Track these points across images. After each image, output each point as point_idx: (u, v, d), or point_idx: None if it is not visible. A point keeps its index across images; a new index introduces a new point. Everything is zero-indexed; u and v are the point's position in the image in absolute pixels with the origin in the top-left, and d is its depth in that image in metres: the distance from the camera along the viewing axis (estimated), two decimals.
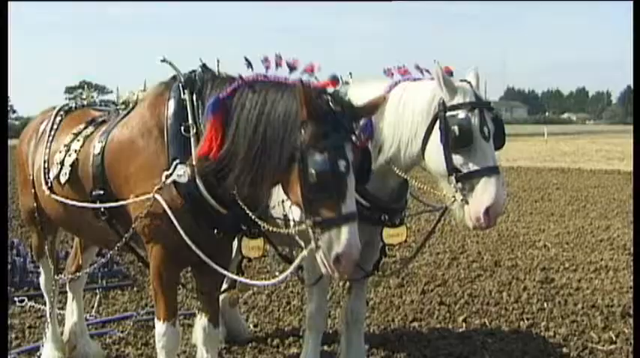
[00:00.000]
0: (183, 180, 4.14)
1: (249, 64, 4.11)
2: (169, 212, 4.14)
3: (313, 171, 3.60)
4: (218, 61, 4.33)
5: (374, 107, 4.00)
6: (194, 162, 4.11)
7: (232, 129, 3.94)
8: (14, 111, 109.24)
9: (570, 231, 12.55)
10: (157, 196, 4.16)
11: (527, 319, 7.13)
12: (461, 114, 4.35)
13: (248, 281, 4.42)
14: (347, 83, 5.02)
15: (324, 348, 5.98)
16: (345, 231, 3.60)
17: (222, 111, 4.00)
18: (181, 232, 4.12)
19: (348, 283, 5.42)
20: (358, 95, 4.77)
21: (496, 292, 8.20)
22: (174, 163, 4.17)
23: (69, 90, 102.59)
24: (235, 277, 4.39)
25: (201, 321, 4.79)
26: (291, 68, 4.04)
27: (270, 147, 3.80)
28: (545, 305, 7.63)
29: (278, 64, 4.06)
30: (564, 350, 6.26)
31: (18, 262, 8.60)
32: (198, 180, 4.12)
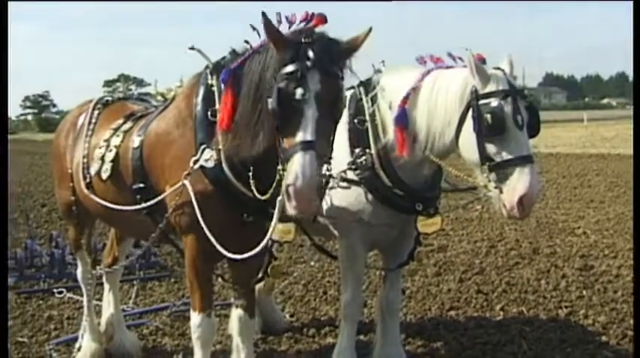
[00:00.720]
0: (210, 164, 4.14)
1: (254, 29, 3.99)
2: (193, 198, 4.13)
3: (271, 100, 3.55)
4: (250, 45, 4.29)
5: (356, 42, 3.79)
6: (220, 146, 4.10)
7: (240, 97, 3.94)
8: (54, 106, 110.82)
9: (610, 217, 12.39)
10: (186, 182, 4.16)
11: (566, 307, 7.06)
12: (493, 102, 4.29)
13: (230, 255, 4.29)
14: (379, 71, 4.99)
15: (360, 337, 5.97)
16: (295, 160, 3.44)
17: (232, 81, 4.00)
18: (199, 218, 4.10)
19: (383, 272, 5.39)
20: (391, 83, 4.77)
21: (534, 280, 8.12)
22: (201, 148, 4.18)
23: (107, 83, 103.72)
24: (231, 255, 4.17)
25: (237, 311, 4.79)
26: (290, 23, 3.95)
27: (260, 97, 3.76)
28: (585, 292, 7.54)
29: (289, 22, 3.98)
30: (603, 338, 6.18)
31: (57, 254, 8.69)
32: (223, 164, 4.11)
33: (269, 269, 4.42)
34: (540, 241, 10.38)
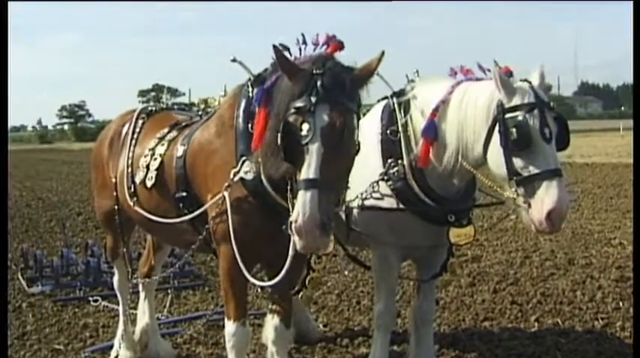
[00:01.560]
0: (249, 176, 4.18)
1: (286, 48, 4.02)
2: (228, 208, 4.19)
3: (280, 135, 3.59)
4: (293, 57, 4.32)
5: (367, 70, 3.77)
6: (260, 159, 4.13)
7: (270, 117, 3.96)
8: (90, 115, 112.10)
9: None
10: (225, 194, 4.20)
11: (602, 319, 6.97)
12: (519, 115, 4.25)
13: (257, 282, 4.40)
14: (412, 81, 5.00)
15: (394, 348, 5.96)
16: (299, 198, 3.49)
17: (265, 100, 4.03)
18: (230, 229, 4.19)
19: (417, 283, 5.38)
20: (423, 93, 4.77)
21: (570, 291, 8.04)
22: (242, 160, 4.21)
23: (142, 93, 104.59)
24: (255, 281, 4.40)
25: (273, 321, 4.80)
26: (315, 45, 3.97)
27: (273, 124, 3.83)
28: (621, 304, 7.44)
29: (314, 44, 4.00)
30: None
31: (92, 263, 8.77)
32: (262, 176, 4.14)
33: (307, 281, 4.43)
34: (576, 252, 10.27)
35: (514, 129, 4.23)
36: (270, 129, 3.90)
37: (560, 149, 4.33)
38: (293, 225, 3.50)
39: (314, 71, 3.65)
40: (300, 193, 3.50)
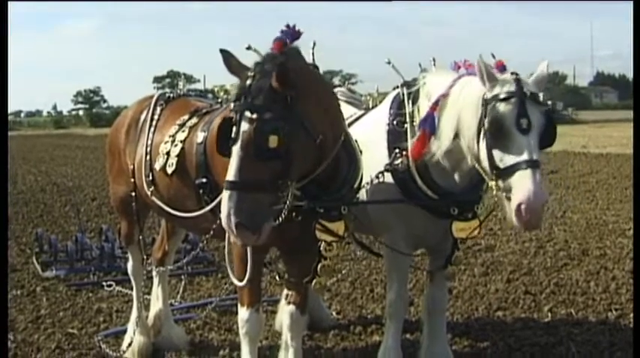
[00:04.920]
0: None
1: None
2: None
3: (217, 128, 4.02)
4: (314, 45, 4.33)
5: (277, 82, 3.78)
6: None
7: None
8: (105, 101, 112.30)
9: None
10: None
11: (616, 310, 6.96)
12: (497, 105, 4.13)
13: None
14: (425, 70, 4.96)
15: (407, 336, 5.96)
16: (224, 198, 3.76)
17: None
18: None
19: (429, 272, 5.36)
20: (432, 85, 4.72)
21: (583, 281, 8.01)
22: None
23: (157, 79, 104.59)
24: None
25: (288, 308, 4.81)
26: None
27: None
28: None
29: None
30: None
31: (107, 248, 8.82)
32: None
33: (319, 269, 4.42)
34: (590, 242, 10.23)
35: (487, 119, 4.14)
36: None
37: (544, 146, 4.18)
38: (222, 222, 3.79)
39: (248, 74, 3.85)
40: (223, 192, 3.79)
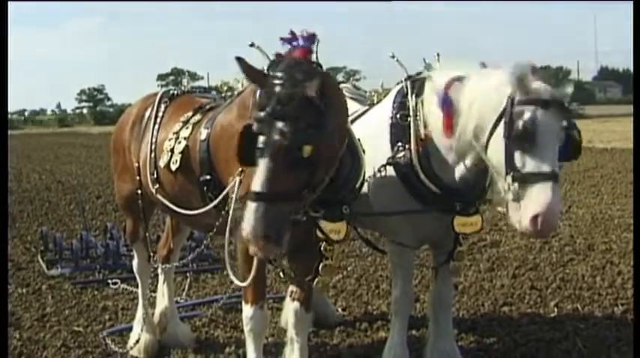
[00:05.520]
0: None
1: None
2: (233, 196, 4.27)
3: (239, 138, 3.81)
4: (317, 41, 4.30)
5: (312, 89, 3.74)
6: None
7: None
8: (109, 99, 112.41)
9: None
10: (237, 179, 4.25)
11: (622, 305, 6.94)
12: (527, 111, 4.07)
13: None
14: (430, 65, 4.94)
15: (413, 333, 5.96)
16: (248, 209, 3.68)
17: None
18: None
19: (435, 268, 5.35)
20: (438, 79, 4.69)
21: (589, 276, 8.00)
22: None
23: (161, 77, 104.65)
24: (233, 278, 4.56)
25: (293, 305, 4.80)
26: (289, 42, 4.09)
27: None
28: None
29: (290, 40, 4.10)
30: None
31: (112, 246, 8.83)
32: None
33: (320, 269, 4.40)
34: (595, 237, 10.22)
35: (521, 122, 4.06)
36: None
37: (565, 159, 4.18)
38: (242, 233, 3.71)
39: (274, 81, 3.75)
40: (248, 203, 3.68)
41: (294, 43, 4.07)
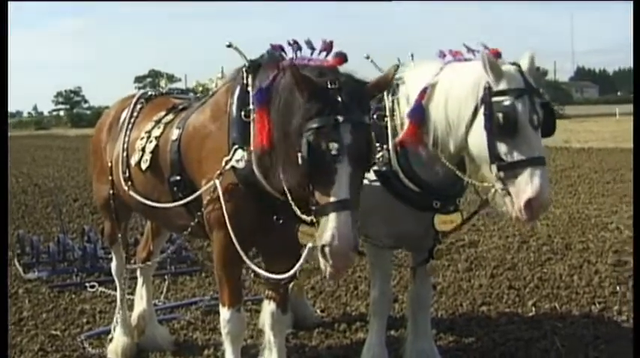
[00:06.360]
0: (241, 165, 4.15)
1: (282, 49, 4.15)
2: (222, 198, 4.17)
3: (302, 155, 3.49)
4: (293, 44, 4.27)
5: (382, 82, 3.82)
6: (252, 148, 4.11)
7: (273, 119, 3.91)
8: (86, 101, 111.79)
9: None
10: (217, 181, 4.19)
11: (599, 303, 6.98)
12: (506, 101, 4.15)
13: (262, 272, 4.38)
14: (403, 65, 4.94)
15: (391, 333, 5.97)
16: (331, 220, 3.44)
17: (266, 100, 3.97)
18: (226, 219, 4.16)
19: (413, 268, 5.35)
20: (411, 77, 4.72)
21: (567, 276, 8.04)
22: (234, 148, 4.18)
23: (138, 79, 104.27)
24: (259, 270, 4.36)
25: (269, 307, 4.79)
26: (312, 50, 4.01)
27: (285, 136, 3.73)
28: (618, 288, 7.44)
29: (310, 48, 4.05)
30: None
31: (89, 248, 8.77)
32: (254, 166, 4.11)
33: (297, 272, 4.38)
34: (573, 236, 10.28)
35: (500, 115, 4.13)
36: (280, 142, 3.84)
37: (545, 135, 4.25)
38: (326, 248, 3.44)
39: (329, 86, 3.59)
40: (333, 216, 3.43)
41: (316, 53, 4.03)
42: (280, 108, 3.82)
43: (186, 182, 4.58)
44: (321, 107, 3.53)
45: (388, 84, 3.92)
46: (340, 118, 3.50)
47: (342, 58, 3.91)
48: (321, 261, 3.52)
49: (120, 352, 5.82)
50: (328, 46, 4.00)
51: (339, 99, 3.55)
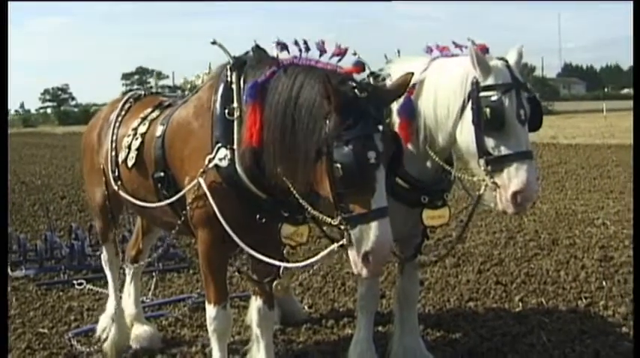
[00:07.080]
0: (224, 164, 4.16)
1: (285, 47, 4.13)
2: (209, 196, 4.17)
3: (339, 165, 3.48)
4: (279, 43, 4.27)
5: (401, 87, 3.86)
6: (235, 146, 4.11)
7: (267, 115, 3.91)
8: (73, 99, 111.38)
9: (630, 208, 12.26)
10: (201, 180, 4.19)
11: (586, 298, 7.02)
12: (494, 95, 4.20)
13: (287, 264, 4.33)
14: (390, 61, 4.96)
15: (379, 329, 5.98)
16: (374, 227, 3.49)
17: (260, 95, 3.98)
18: (219, 215, 4.15)
19: (400, 264, 5.37)
20: (399, 72, 4.71)
21: (553, 271, 8.08)
22: (217, 147, 4.19)
23: (125, 76, 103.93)
24: (276, 262, 4.25)
25: (256, 303, 4.81)
26: (321, 52, 4.02)
27: (297, 138, 3.72)
28: (604, 283, 7.49)
29: (311, 49, 4.07)
30: (624, 329, 6.13)
31: (76, 246, 8.75)
32: (237, 165, 4.12)
33: (281, 272, 4.38)
34: (559, 232, 10.32)
35: (488, 110, 4.18)
36: (270, 126, 3.86)
37: (532, 129, 4.31)
38: (370, 255, 3.51)
39: (360, 95, 3.60)
40: (375, 224, 3.49)
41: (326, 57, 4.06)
42: (288, 111, 3.80)
43: (170, 179, 4.58)
44: (357, 117, 3.54)
45: (406, 90, 3.96)
46: (371, 127, 3.54)
47: (361, 67, 4.01)
48: (359, 264, 3.57)
49: (111, 346, 5.79)
50: (343, 52, 4.05)
51: (370, 108, 3.59)
